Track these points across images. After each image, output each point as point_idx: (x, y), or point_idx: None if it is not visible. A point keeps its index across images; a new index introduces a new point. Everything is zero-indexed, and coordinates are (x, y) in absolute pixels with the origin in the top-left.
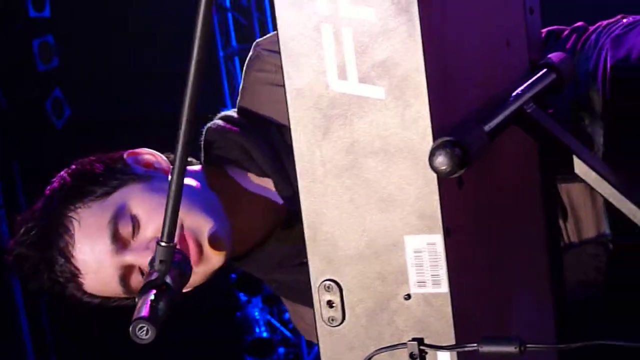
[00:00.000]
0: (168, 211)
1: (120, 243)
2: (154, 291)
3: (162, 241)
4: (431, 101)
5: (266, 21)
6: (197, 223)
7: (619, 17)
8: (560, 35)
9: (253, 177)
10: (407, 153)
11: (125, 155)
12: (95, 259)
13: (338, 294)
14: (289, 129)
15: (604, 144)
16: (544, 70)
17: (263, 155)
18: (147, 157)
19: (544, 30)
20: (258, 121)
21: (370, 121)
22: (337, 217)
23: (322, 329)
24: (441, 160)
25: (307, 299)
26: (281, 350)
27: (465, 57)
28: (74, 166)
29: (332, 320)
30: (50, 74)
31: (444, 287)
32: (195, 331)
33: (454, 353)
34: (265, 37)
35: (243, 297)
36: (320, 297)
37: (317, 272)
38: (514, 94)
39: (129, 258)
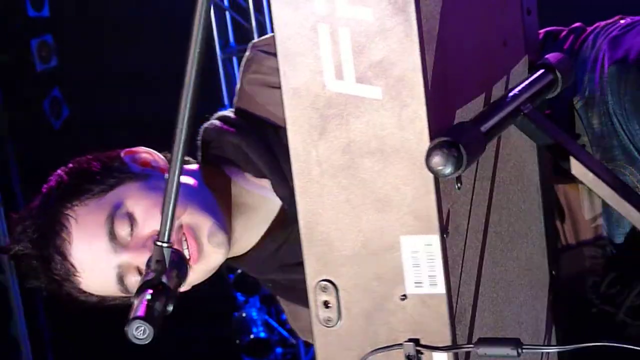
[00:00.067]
0: (165, 212)
1: (117, 241)
2: (151, 291)
3: (158, 241)
4: (428, 101)
5: (265, 21)
6: (196, 221)
7: (616, 18)
8: (558, 36)
9: (250, 177)
10: (404, 153)
11: (122, 154)
12: (92, 257)
13: (334, 294)
14: (286, 130)
15: (601, 145)
16: (542, 70)
17: (260, 156)
18: (144, 155)
19: (542, 31)
20: (255, 122)
21: (367, 121)
22: (333, 217)
23: (318, 329)
24: (438, 161)
25: (303, 299)
26: (279, 350)
27: (462, 57)
28: (71, 164)
29: (328, 320)
30: (49, 73)
31: (441, 288)
32: (193, 331)
33: (451, 354)
34: (261, 38)
35: (241, 297)
36: (316, 298)
37: (314, 273)
38: (510, 94)
39: (126, 256)
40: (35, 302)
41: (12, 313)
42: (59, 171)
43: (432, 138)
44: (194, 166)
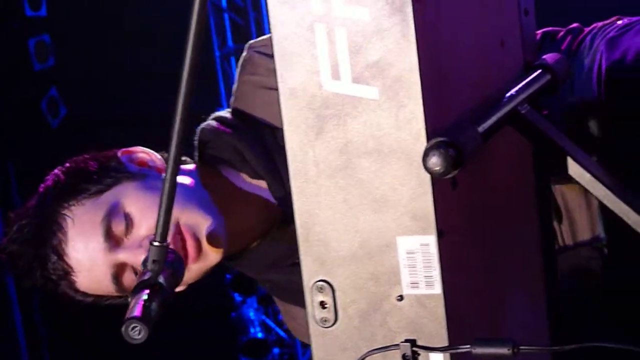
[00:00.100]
0: (161, 211)
1: (113, 241)
2: (147, 291)
3: (155, 241)
4: (425, 102)
5: (262, 21)
6: (194, 220)
7: (614, 18)
8: (556, 37)
9: (246, 178)
10: (401, 153)
11: (119, 154)
12: (88, 256)
13: (331, 294)
14: (282, 131)
15: (599, 145)
16: (539, 71)
17: (256, 157)
18: (141, 155)
19: (540, 31)
20: (251, 123)
21: (364, 121)
22: (330, 217)
23: (314, 330)
24: (435, 161)
25: (299, 300)
26: (276, 350)
27: (459, 57)
28: (68, 164)
29: (325, 321)
30: (46, 73)
31: (437, 289)
32: (190, 331)
33: (447, 355)
34: (258, 39)
35: (238, 297)
36: (312, 298)
37: (310, 273)
38: (508, 94)
39: (122, 256)
40: (32, 300)
41: (8, 311)
42: (56, 170)
43: (429, 138)
44: (190, 166)
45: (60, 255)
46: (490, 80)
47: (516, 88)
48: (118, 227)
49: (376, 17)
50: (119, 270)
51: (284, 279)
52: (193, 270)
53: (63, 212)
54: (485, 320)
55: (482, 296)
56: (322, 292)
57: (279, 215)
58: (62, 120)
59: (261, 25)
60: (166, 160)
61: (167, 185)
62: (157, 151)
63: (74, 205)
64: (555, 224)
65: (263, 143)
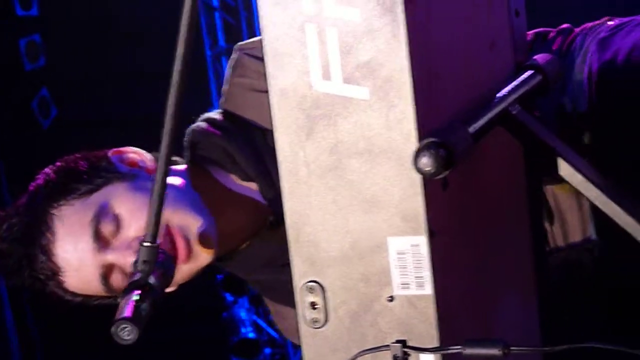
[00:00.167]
0: (152, 211)
1: (102, 242)
2: (138, 291)
3: (145, 241)
4: (416, 102)
5: (254, 21)
6: (185, 221)
7: (604, 19)
8: (547, 37)
9: (237, 180)
10: (392, 154)
11: (110, 154)
12: (77, 257)
13: (321, 295)
14: (273, 132)
15: (590, 146)
16: (530, 71)
17: (246, 159)
18: (131, 155)
19: (531, 32)
20: (242, 125)
21: (355, 122)
22: (320, 218)
23: (305, 330)
24: (425, 162)
25: (290, 300)
26: (267, 350)
27: (450, 58)
28: (58, 163)
29: (315, 321)
30: (37, 73)
31: (428, 289)
32: (182, 331)
33: (438, 355)
34: (247, 41)
35: (229, 297)
36: (303, 299)
37: (300, 274)
38: (499, 95)
39: (111, 257)
40: (23, 300)
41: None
42: (46, 169)
43: (419, 139)
44: (181, 167)
45: (49, 255)
46: (481, 80)
47: (507, 89)
48: (107, 228)
49: (367, 17)
50: (107, 271)
51: (274, 280)
52: (183, 271)
53: (52, 211)
54: (476, 321)
55: (473, 297)
56: (312, 293)
57: (269, 217)
58: (53, 120)
59: (252, 24)
60: (157, 160)
61: (157, 185)
62: (148, 151)
63: (63, 205)
64: (547, 224)
65: (253, 145)
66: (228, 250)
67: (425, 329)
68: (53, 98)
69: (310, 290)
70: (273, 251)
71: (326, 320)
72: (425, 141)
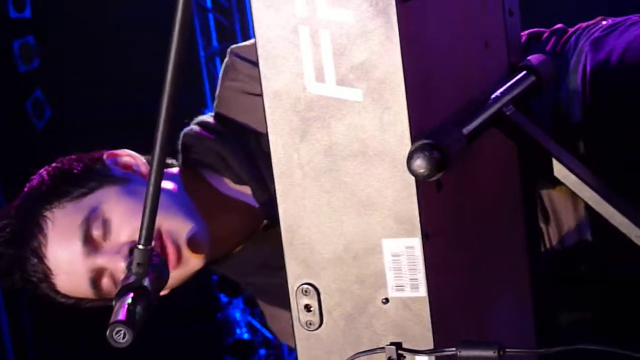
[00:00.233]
0: (146, 214)
1: (91, 245)
2: (132, 294)
3: (139, 244)
4: (409, 104)
5: (247, 22)
6: (175, 226)
7: (598, 19)
8: (540, 38)
9: (230, 183)
10: (386, 156)
11: (104, 156)
12: (67, 260)
13: (316, 297)
14: (267, 135)
15: (584, 146)
16: (524, 72)
17: (239, 163)
18: (125, 159)
19: (525, 32)
20: (235, 128)
21: (348, 124)
22: (314, 220)
23: (299, 333)
24: (419, 163)
25: (284, 302)
26: (262, 351)
27: (444, 59)
28: (54, 164)
29: (310, 324)
30: (31, 75)
31: (423, 291)
32: (176, 332)
33: (433, 357)
34: (240, 44)
35: (224, 298)
36: (297, 301)
37: (295, 276)
38: (493, 96)
39: (100, 261)
40: (19, 301)
41: None
42: (42, 171)
43: (413, 140)
44: (174, 170)
45: (40, 257)
46: (475, 81)
47: (501, 89)
48: (96, 232)
49: (360, 19)
50: (96, 275)
51: (268, 282)
52: (174, 276)
53: (44, 214)
54: (471, 323)
55: (468, 298)
56: (307, 295)
57: (262, 220)
58: (47, 121)
59: (246, 25)
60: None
61: (151, 188)
62: (143, 154)
63: (55, 207)
64: (542, 225)
65: (246, 148)
66: (221, 254)
67: (420, 331)
68: (47, 99)
69: (305, 292)
70: (267, 254)
71: (321, 323)
72: (419, 143)
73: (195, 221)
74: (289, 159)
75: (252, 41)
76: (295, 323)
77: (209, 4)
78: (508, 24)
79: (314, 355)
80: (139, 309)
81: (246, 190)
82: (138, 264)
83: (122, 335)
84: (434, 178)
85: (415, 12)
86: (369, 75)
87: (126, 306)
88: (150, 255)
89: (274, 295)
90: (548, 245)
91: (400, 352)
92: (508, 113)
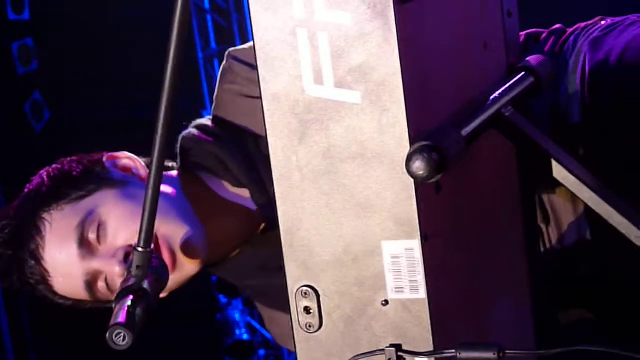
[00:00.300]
0: (145, 216)
1: (86, 248)
2: (131, 297)
3: (139, 246)
4: (408, 106)
5: (245, 23)
6: (170, 231)
7: (597, 19)
8: (539, 38)
9: (228, 186)
10: (384, 158)
11: (104, 159)
12: (63, 262)
13: (315, 300)
14: (265, 138)
15: (583, 146)
16: (522, 73)
17: (238, 166)
18: (125, 161)
19: (523, 33)
20: (233, 131)
21: (347, 126)
22: (314, 222)
23: (299, 335)
24: (418, 165)
25: (283, 305)
26: (261, 352)
27: (442, 60)
28: (55, 165)
29: (310, 326)
30: (30, 77)
31: (422, 293)
32: (175, 333)
33: (433, 359)
34: (238, 47)
35: (223, 299)
36: (297, 304)
37: (294, 278)
38: (491, 97)
39: (95, 264)
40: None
41: None
42: (42, 172)
43: (412, 142)
44: (173, 172)
45: (38, 259)
46: (474, 83)
47: (500, 91)
48: (92, 235)
49: (358, 21)
50: (92, 279)
51: (266, 285)
52: (171, 281)
53: (43, 216)
54: (470, 325)
55: (467, 300)
56: (306, 298)
57: (260, 224)
58: (46, 123)
59: (244, 26)
60: (149, 165)
61: (150, 190)
62: (142, 155)
63: (54, 210)
64: (542, 225)
65: (245, 151)
66: (218, 258)
67: (419, 333)
68: (46, 101)
69: (305, 295)
70: (264, 258)
71: (320, 325)
72: (418, 145)
73: (192, 226)
74: (288, 162)
75: (249, 44)
76: (295, 325)
77: (207, 5)
78: (507, 25)
79: (314, 357)
80: (138, 311)
81: (244, 193)
82: (137, 267)
83: (122, 338)
84: (433, 180)
85: (413, 14)
86: (367, 77)
87: (126, 308)
88: (150, 258)
89: (273, 297)
90: (548, 245)
91: (400, 354)
92: (507, 114)
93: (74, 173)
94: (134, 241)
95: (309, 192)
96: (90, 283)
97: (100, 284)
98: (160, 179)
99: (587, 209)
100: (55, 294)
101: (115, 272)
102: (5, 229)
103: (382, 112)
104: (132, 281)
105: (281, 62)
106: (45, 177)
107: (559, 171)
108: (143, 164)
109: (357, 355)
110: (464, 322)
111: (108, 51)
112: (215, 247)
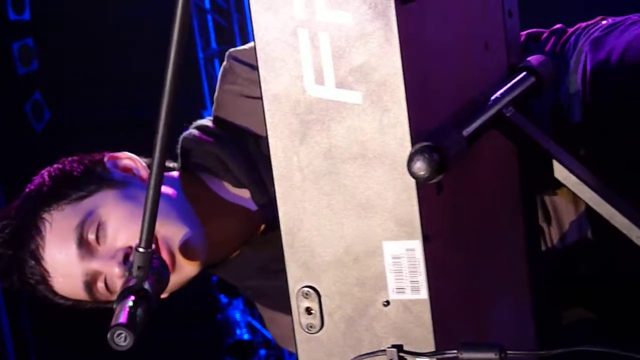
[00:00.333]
0: (146, 217)
1: (86, 249)
2: (133, 297)
3: (140, 247)
4: (409, 106)
5: (246, 23)
6: (170, 232)
7: (598, 18)
8: (540, 38)
9: (229, 187)
10: (385, 158)
11: (105, 159)
12: (62, 262)
13: (316, 300)
14: (266, 139)
15: (584, 146)
16: (523, 73)
17: (239, 167)
18: (126, 162)
19: (524, 33)
20: (234, 132)
21: (348, 126)
22: (315, 223)
23: (300, 336)
24: (419, 166)
25: (284, 306)
26: (262, 352)
27: (443, 60)
28: (56, 165)
29: (311, 327)
30: (30, 77)
31: (423, 294)
32: (176, 333)
33: None
34: (238, 48)
35: (224, 299)
36: (298, 304)
37: (295, 279)
38: (492, 97)
39: (94, 265)
40: (19, 302)
41: None
42: (43, 172)
43: (413, 143)
44: (174, 173)
45: (38, 259)
46: (475, 83)
47: (501, 91)
48: (91, 236)
49: (359, 21)
50: (91, 279)
51: (267, 286)
52: (171, 282)
53: (43, 216)
54: (471, 325)
55: (468, 300)
56: (307, 298)
57: (261, 225)
58: (46, 123)
59: (244, 26)
60: (150, 165)
61: (151, 191)
62: (143, 155)
63: (54, 210)
64: (543, 224)
65: (246, 152)
66: (219, 259)
67: (421, 334)
68: (46, 101)
69: (306, 295)
70: (265, 258)
71: (322, 326)
72: (419, 145)
73: (192, 227)
74: (289, 162)
75: (250, 44)
76: (296, 326)
77: (207, 5)
78: (507, 25)
79: (315, 358)
80: (139, 311)
81: (245, 194)
82: (138, 267)
83: (123, 339)
84: (434, 180)
85: (414, 14)
86: (368, 77)
87: (127, 309)
88: (151, 258)
89: (273, 298)
90: (549, 245)
91: (401, 354)
92: (508, 114)
93: (75, 173)
94: (133, 242)
95: (310, 193)
96: (90, 283)
97: (100, 285)
98: (161, 180)
99: (588, 209)
100: (55, 294)
101: (114, 273)
102: (5, 228)
103: (383, 112)
104: (133, 282)
105: (282, 62)
106: (46, 177)
107: (560, 171)
108: (144, 164)
109: (359, 356)
110: (465, 322)
111: (108, 51)
112: (216, 248)
